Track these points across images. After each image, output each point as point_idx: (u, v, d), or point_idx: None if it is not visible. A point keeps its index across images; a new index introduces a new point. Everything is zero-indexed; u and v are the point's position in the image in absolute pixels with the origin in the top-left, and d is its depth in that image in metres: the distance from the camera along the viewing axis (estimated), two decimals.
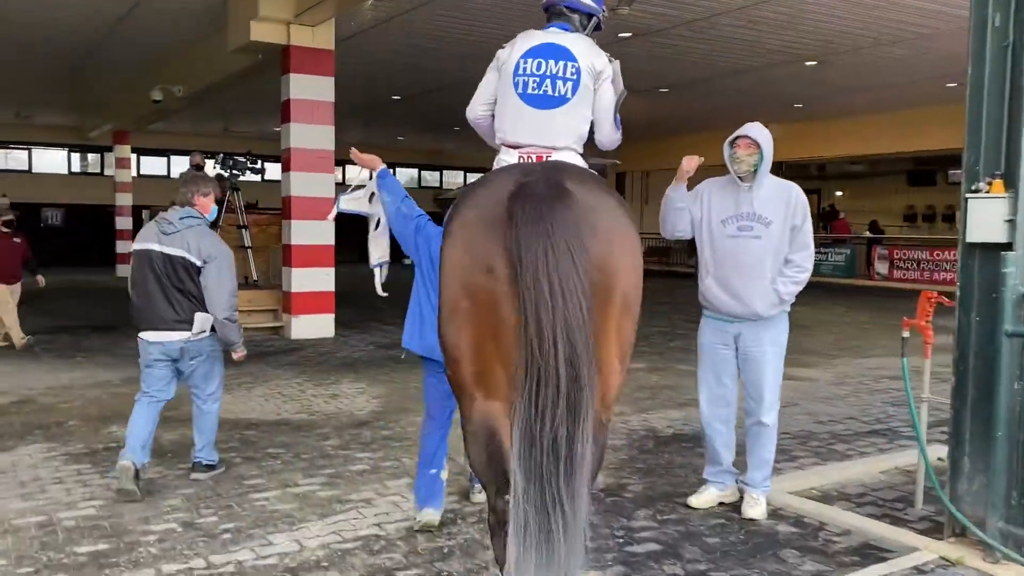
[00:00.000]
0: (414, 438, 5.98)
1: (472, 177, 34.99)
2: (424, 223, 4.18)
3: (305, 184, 11.32)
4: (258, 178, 17.64)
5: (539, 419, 2.32)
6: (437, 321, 2.76)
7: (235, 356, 5.07)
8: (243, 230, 11.99)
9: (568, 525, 2.34)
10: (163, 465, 5.29)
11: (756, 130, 4.38)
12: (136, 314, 4.76)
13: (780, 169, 36.17)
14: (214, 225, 11.09)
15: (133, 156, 25.04)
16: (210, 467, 5.04)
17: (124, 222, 23.71)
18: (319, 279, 11.38)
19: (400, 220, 4.18)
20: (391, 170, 4.46)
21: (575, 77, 3.28)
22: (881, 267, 22.92)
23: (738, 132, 4.41)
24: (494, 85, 3.46)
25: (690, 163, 4.44)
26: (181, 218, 4.74)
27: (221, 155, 11.63)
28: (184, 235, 4.70)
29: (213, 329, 4.81)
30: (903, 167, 30.66)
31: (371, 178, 4.33)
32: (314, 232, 11.39)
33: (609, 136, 3.52)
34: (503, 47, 3.49)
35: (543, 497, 2.32)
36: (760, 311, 4.37)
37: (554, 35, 3.39)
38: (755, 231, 4.39)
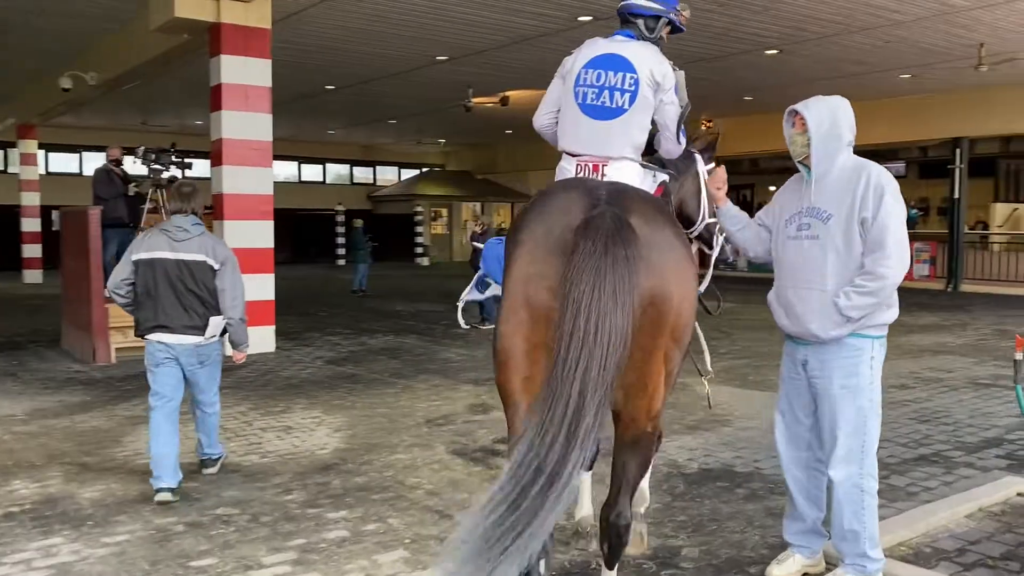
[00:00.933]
0: (397, 488, 4.92)
1: (406, 173, 33.80)
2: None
3: (240, 179, 10.06)
4: (181, 174, 16.21)
5: (540, 436, 2.40)
6: (495, 321, 2.93)
7: (238, 358, 5.21)
8: None
9: (519, 536, 2.32)
10: (80, 540, 4.11)
11: (807, 103, 3.49)
12: (144, 318, 4.81)
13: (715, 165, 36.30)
14: (135, 227, 9.96)
15: (40, 152, 23.00)
16: (217, 459, 5.30)
17: (31, 224, 21.73)
18: (257, 287, 10.13)
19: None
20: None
21: (632, 89, 3.28)
22: None
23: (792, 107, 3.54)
24: (559, 93, 3.45)
25: (714, 181, 3.73)
26: (194, 224, 4.89)
27: (142, 148, 10.28)
28: (200, 240, 4.85)
29: (222, 333, 4.98)
30: None
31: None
32: (250, 234, 10.14)
33: (671, 146, 3.48)
34: (570, 53, 3.45)
35: (511, 506, 2.34)
36: (817, 331, 3.42)
37: (617, 44, 3.36)
38: (812, 229, 3.48)
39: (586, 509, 4.12)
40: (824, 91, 3.76)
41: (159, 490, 4.63)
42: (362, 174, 33.58)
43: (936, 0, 11.65)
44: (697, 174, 3.94)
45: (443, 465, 5.38)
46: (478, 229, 13.99)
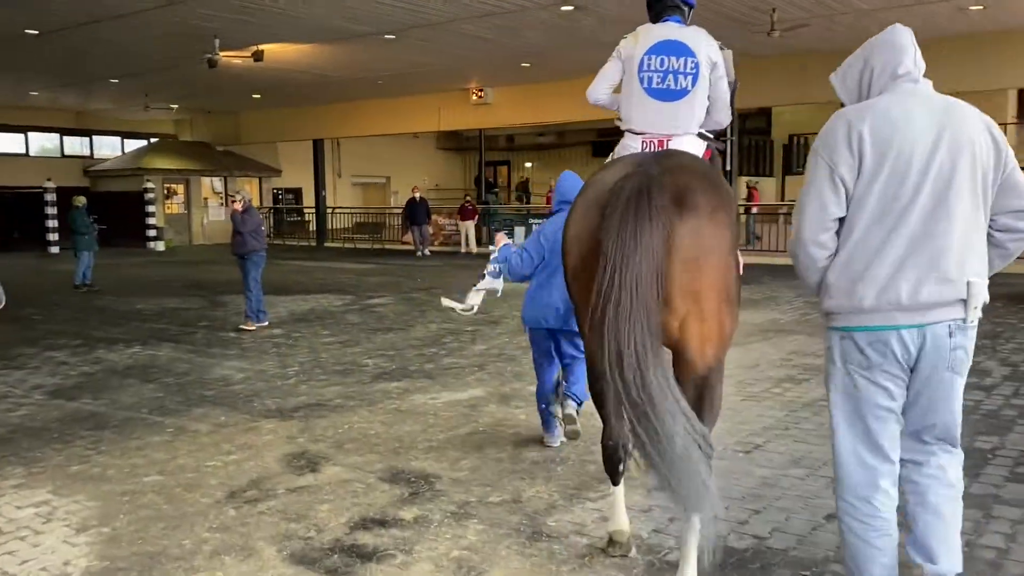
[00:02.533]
0: None
1: (131, 144, 29.52)
2: (538, 239, 4.87)
3: None
4: None
5: (601, 351, 2.81)
6: (565, 280, 3.51)
7: None
8: None
9: (655, 440, 2.67)
10: None
11: None
12: None
13: (455, 138, 34.70)
14: None
15: None
16: None
17: None
18: None
19: (519, 268, 4.92)
20: None
21: (694, 71, 3.65)
22: None
23: None
24: (617, 73, 3.81)
25: None
26: None
27: None
28: None
29: None
30: (588, 139, 30.96)
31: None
32: None
33: (723, 116, 3.84)
34: (625, 37, 3.81)
35: (627, 413, 2.77)
36: None
37: (673, 30, 3.72)
38: None
39: (620, 523, 3.64)
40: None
41: None
42: (76, 145, 28.61)
43: None
44: None
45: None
46: (238, 206, 11.41)
